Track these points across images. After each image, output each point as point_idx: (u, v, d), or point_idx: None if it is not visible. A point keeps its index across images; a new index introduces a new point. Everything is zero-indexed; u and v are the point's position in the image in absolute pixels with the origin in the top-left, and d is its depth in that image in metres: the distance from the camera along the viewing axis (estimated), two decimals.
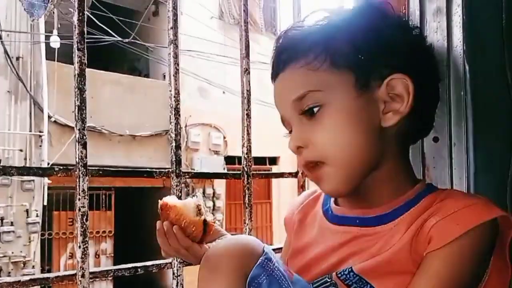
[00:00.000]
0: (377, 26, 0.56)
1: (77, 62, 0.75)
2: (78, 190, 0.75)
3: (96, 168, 0.78)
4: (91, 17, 5.44)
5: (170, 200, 0.65)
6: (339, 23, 0.57)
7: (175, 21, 0.85)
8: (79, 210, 0.76)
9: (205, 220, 0.64)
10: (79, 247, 0.76)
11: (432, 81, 0.62)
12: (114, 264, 6.64)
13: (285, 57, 0.59)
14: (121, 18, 6.35)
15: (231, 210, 7.47)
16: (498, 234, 0.53)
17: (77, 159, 0.75)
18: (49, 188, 5.70)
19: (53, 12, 5.49)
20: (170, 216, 0.63)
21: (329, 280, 0.56)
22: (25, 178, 5.47)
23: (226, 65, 6.50)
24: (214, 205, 7.07)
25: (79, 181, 0.75)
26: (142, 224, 7.93)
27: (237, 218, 7.45)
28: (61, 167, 0.76)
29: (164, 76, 7.03)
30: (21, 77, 5.44)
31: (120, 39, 6.05)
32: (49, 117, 5.58)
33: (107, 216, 6.61)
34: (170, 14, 0.85)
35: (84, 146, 0.75)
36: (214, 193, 7.07)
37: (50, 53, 5.70)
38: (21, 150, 5.48)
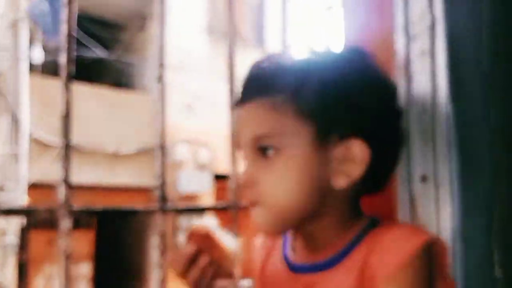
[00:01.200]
0: (352, 83, 0.56)
1: (64, 103, 0.73)
2: (61, 231, 0.73)
3: (81, 208, 0.76)
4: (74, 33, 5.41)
5: (217, 236, 0.64)
6: (314, 70, 0.57)
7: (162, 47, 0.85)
8: (64, 252, 0.73)
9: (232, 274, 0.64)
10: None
11: (393, 147, 0.62)
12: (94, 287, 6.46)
13: (254, 89, 0.58)
14: (106, 33, 6.33)
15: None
16: (434, 257, 0.54)
17: (61, 199, 0.73)
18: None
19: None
20: (213, 254, 0.62)
21: None
22: (2, 195, 5.33)
23: (214, 80, 6.52)
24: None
25: (62, 222, 0.73)
26: (122, 246, 7.77)
27: None
28: (45, 209, 0.74)
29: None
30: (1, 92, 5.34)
31: (104, 56, 6.02)
32: (29, 134, 5.47)
33: (88, 237, 6.45)
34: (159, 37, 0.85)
35: (69, 186, 0.74)
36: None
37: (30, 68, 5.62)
38: None
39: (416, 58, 0.83)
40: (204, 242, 0.63)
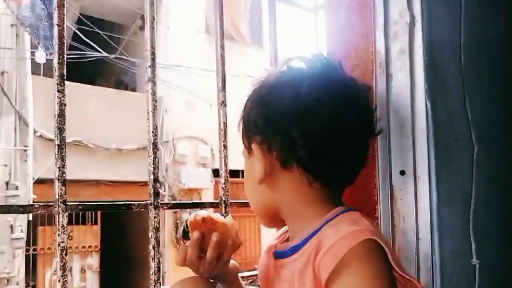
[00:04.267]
0: (260, 99, 0.66)
1: (57, 103, 0.78)
2: (58, 225, 0.78)
3: (76, 203, 0.81)
4: (77, 32, 5.45)
5: (216, 216, 0.69)
6: (260, 88, 0.67)
7: (153, 60, 0.89)
8: (59, 245, 0.78)
9: (240, 243, 0.69)
10: (59, 281, 0.78)
11: (315, 151, 0.63)
12: (101, 279, 6.57)
13: None
14: (108, 33, 6.37)
15: None
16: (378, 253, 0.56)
17: (56, 196, 0.78)
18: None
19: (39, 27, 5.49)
20: (218, 231, 0.67)
21: None
22: (9, 193, 5.42)
23: (212, 78, 6.54)
24: None
25: (58, 217, 0.77)
26: (128, 238, 7.87)
27: None
28: (42, 204, 0.78)
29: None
30: (6, 92, 5.41)
31: (106, 54, 6.06)
32: (34, 131, 5.54)
33: (93, 230, 6.55)
34: (148, 53, 0.89)
35: (64, 183, 0.78)
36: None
37: (35, 67, 5.68)
38: (5, 165, 5.42)
39: (395, 57, 0.86)
40: (205, 226, 0.67)
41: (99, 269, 6.60)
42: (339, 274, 0.53)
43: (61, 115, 0.76)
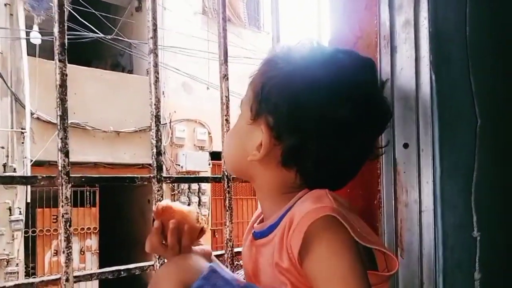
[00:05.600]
0: (288, 87, 0.60)
1: (59, 73, 0.77)
2: (61, 197, 0.78)
3: (79, 175, 0.80)
4: (73, 12, 5.36)
5: (174, 204, 0.71)
6: (276, 62, 0.64)
7: (155, 30, 0.87)
8: (63, 216, 0.78)
9: (202, 228, 0.71)
10: (63, 252, 0.78)
11: (321, 148, 0.61)
12: (100, 260, 6.63)
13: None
14: (103, 14, 6.27)
15: (217, 205, 7.50)
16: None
17: (60, 167, 0.77)
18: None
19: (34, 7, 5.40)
20: (177, 218, 0.69)
21: None
22: (7, 175, 5.41)
23: (210, 60, 6.49)
24: (199, 200, 7.09)
25: (62, 189, 0.77)
26: (126, 220, 7.91)
27: (222, 213, 7.48)
28: (44, 176, 0.78)
29: (148, 71, 6.99)
30: (1, 74, 5.35)
31: (102, 35, 5.98)
32: (31, 113, 5.50)
33: (92, 212, 6.58)
34: (149, 24, 0.87)
35: (67, 154, 0.78)
36: (199, 188, 7.09)
37: (31, 48, 5.61)
38: (2, 147, 5.40)
39: (400, 28, 0.85)
40: (164, 215, 0.69)
41: (98, 251, 6.65)
42: (308, 249, 0.54)
43: (63, 85, 0.76)
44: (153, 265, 0.90)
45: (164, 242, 0.69)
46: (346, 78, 0.61)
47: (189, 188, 6.97)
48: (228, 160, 0.73)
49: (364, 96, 0.62)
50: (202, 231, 0.71)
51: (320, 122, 0.59)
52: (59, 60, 0.76)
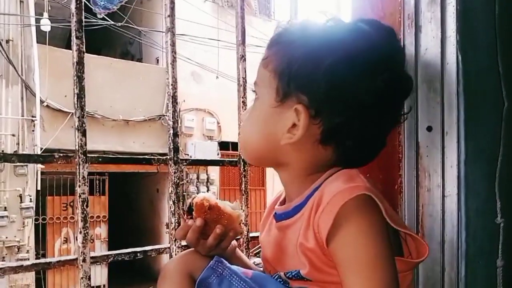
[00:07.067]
0: (322, 61, 0.57)
1: (76, 50, 0.75)
2: (78, 177, 0.77)
3: (96, 155, 0.79)
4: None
5: (222, 205, 0.69)
6: (297, 37, 0.60)
7: (172, 8, 0.85)
8: (80, 196, 0.77)
9: (242, 232, 0.69)
10: (80, 232, 0.78)
11: (355, 125, 0.59)
12: (109, 248, 6.69)
13: (267, 45, 0.65)
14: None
15: (225, 196, 7.52)
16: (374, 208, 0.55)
17: (77, 147, 0.76)
18: (42, 173, 5.69)
19: None
20: (222, 222, 0.68)
21: (280, 279, 0.62)
22: (17, 162, 5.45)
23: (220, 49, 6.45)
24: (208, 191, 7.11)
25: (79, 168, 0.76)
26: (135, 208, 7.97)
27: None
28: (61, 154, 0.77)
29: (157, 60, 6.97)
30: (11, 61, 5.37)
31: (112, 23, 5.96)
32: (41, 101, 5.53)
33: (101, 201, 6.63)
34: (167, 2, 0.85)
35: (84, 133, 0.76)
36: (208, 178, 7.11)
37: (41, 36, 5.62)
38: (13, 135, 5.44)
39: (425, 7, 0.82)
40: (210, 214, 0.67)
41: (107, 239, 6.71)
42: (337, 230, 0.53)
43: (80, 62, 0.74)
44: (169, 248, 0.89)
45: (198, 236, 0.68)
46: (376, 49, 0.58)
47: (197, 178, 6.99)
48: (250, 148, 0.67)
49: (396, 65, 0.60)
50: (242, 234, 0.71)
51: (361, 95, 0.57)
52: (76, 37, 0.74)
